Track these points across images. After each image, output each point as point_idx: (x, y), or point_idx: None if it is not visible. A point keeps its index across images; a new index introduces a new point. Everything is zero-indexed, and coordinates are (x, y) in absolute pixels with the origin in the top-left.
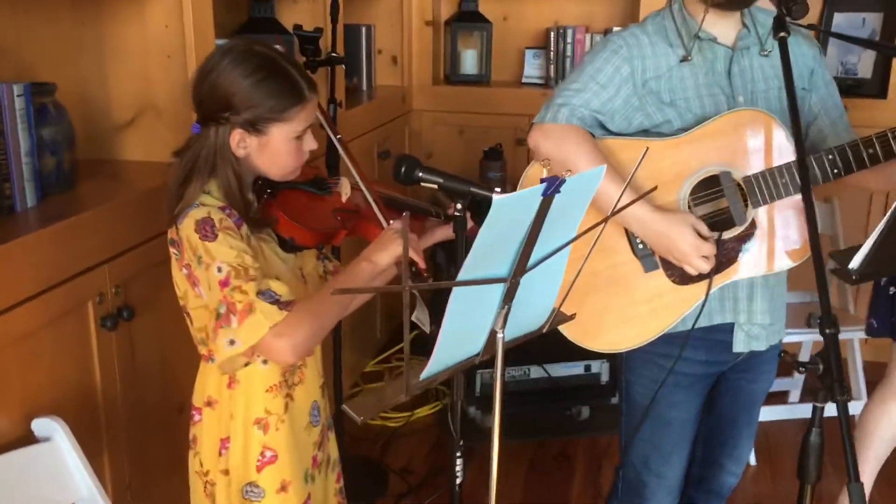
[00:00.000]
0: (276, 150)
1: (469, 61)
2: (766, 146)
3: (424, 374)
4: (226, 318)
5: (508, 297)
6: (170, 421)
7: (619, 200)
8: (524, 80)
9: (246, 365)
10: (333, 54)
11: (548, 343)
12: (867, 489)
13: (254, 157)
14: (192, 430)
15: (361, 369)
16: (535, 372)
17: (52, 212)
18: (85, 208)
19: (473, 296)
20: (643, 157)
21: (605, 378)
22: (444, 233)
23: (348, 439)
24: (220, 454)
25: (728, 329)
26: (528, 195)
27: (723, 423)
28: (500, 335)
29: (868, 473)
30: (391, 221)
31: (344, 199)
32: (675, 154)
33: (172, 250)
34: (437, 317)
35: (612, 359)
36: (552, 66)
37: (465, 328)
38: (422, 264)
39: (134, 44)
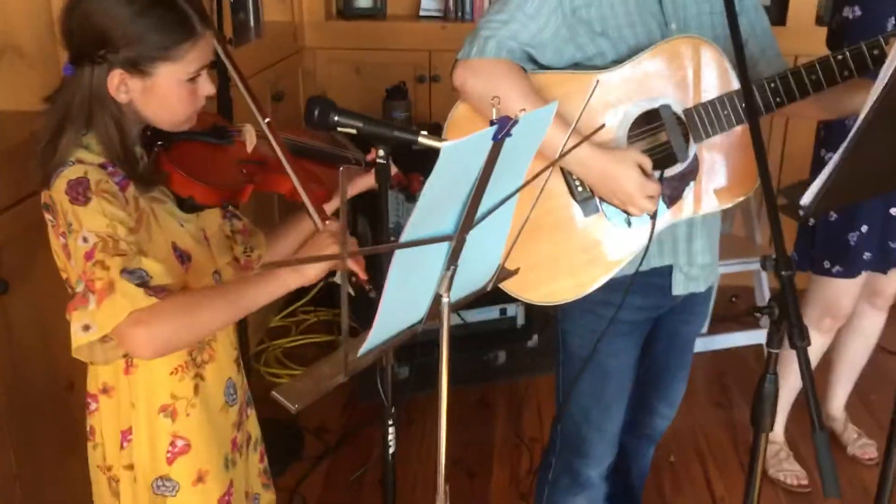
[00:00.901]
0: (165, 94)
1: None
2: (703, 77)
3: (364, 348)
4: (82, 298)
5: (454, 257)
6: (59, 400)
7: (566, 143)
8: (422, 13)
9: (125, 355)
10: None
11: None
12: (781, 420)
13: (138, 104)
14: (88, 421)
15: (267, 325)
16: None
17: None
18: None
19: (416, 258)
20: (592, 91)
21: (520, 321)
22: (365, 182)
23: (256, 402)
24: (121, 447)
25: (666, 272)
26: (477, 140)
27: (656, 367)
28: (445, 299)
29: (785, 400)
30: (326, 222)
31: (249, 148)
32: (611, 88)
33: (47, 216)
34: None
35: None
36: None
37: (407, 294)
38: (363, 275)
39: None
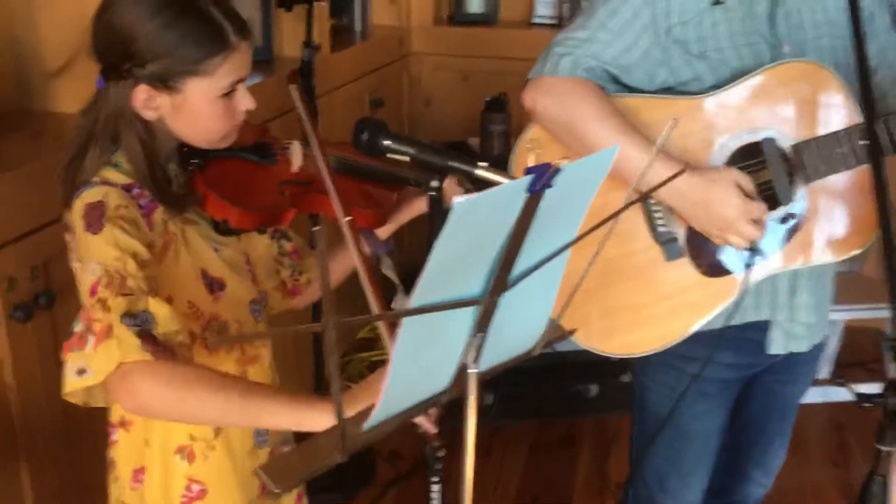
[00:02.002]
0: (196, 111)
1: None
2: (820, 107)
3: (369, 423)
4: (80, 339)
5: (483, 323)
6: (105, 417)
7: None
8: (535, 19)
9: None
10: None
11: None
12: None
13: (169, 121)
14: (109, 452)
15: (353, 337)
16: None
17: None
18: None
19: (434, 323)
20: (667, 133)
21: None
22: (421, 206)
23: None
24: (132, 487)
25: (763, 327)
26: (504, 193)
27: (751, 429)
28: (472, 371)
29: None
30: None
31: (295, 168)
32: (708, 116)
33: (67, 237)
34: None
35: None
36: (566, 5)
37: (423, 365)
38: (432, 430)
39: None
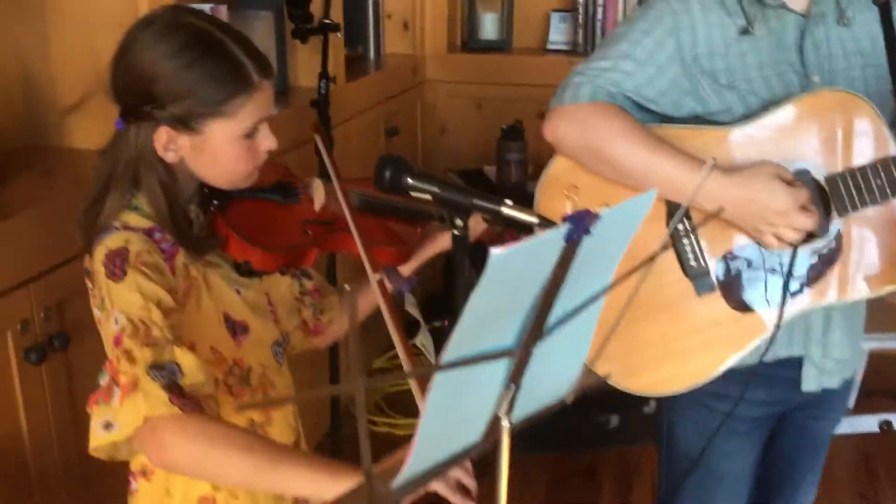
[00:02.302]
0: (218, 152)
1: (489, 26)
2: (854, 138)
3: (400, 480)
4: (106, 392)
5: (516, 374)
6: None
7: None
8: (549, 45)
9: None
10: (327, 20)
11: None
12: None
13: (189, 162)
14: (128, 500)
15: (369, 367)
16: None
17: None
18: (3, 216)
19: (466, 375)
20: (708, 172)
21: None
22: (446, 242)
23: (348, 448)
24: None
25: (795, 364)
26: (541, 243)
27: (781, 465)
28: (505, 423)
29: None
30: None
31: (317, 206)
32: (738, 147)
33: (88, 283)
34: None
35: None
36: (581, 31)
37: (454, 417)
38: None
39: (79, 9)
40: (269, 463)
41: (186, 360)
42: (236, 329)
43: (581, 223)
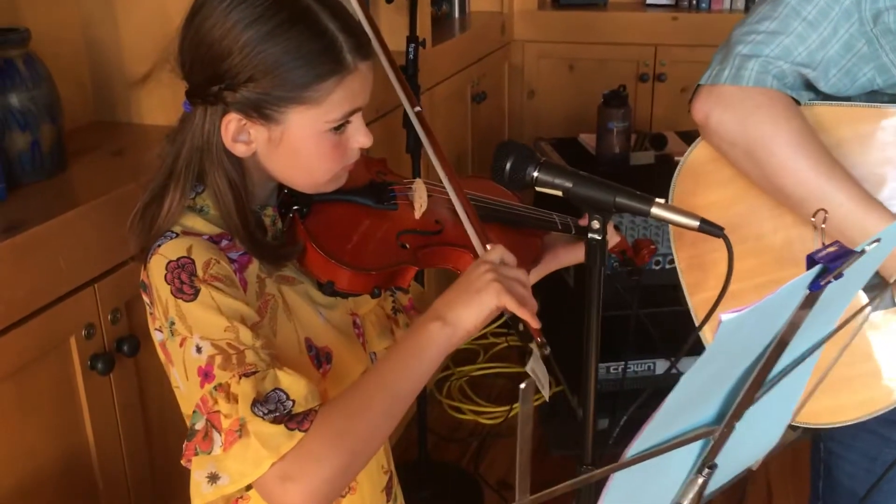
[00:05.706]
0: (298, 147)
1: None
2: None
3: None
4: (204, 439)
5: (712, 456)
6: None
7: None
8: (649, 1)
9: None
10: None
11: (675, 327)
12: None
13: (264, 158)
14: None
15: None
16: (662, 366)
17: (16, 214)
18: (67, 206)
19: (651, 465)
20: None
21: None
22: (573, 255)
23: (433, 439)
24: None
25: None
26: (782, 297)
27: None
28: None
29: None
30: (488, 246)
31: (418, 214)
32: None
33: (145, 298)
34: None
35: None
36: None
37: None
38: (534, 323)
39: None
40: (391, 374)
41: (293, 384)
42: (320, 357)
43: (834, 264)
